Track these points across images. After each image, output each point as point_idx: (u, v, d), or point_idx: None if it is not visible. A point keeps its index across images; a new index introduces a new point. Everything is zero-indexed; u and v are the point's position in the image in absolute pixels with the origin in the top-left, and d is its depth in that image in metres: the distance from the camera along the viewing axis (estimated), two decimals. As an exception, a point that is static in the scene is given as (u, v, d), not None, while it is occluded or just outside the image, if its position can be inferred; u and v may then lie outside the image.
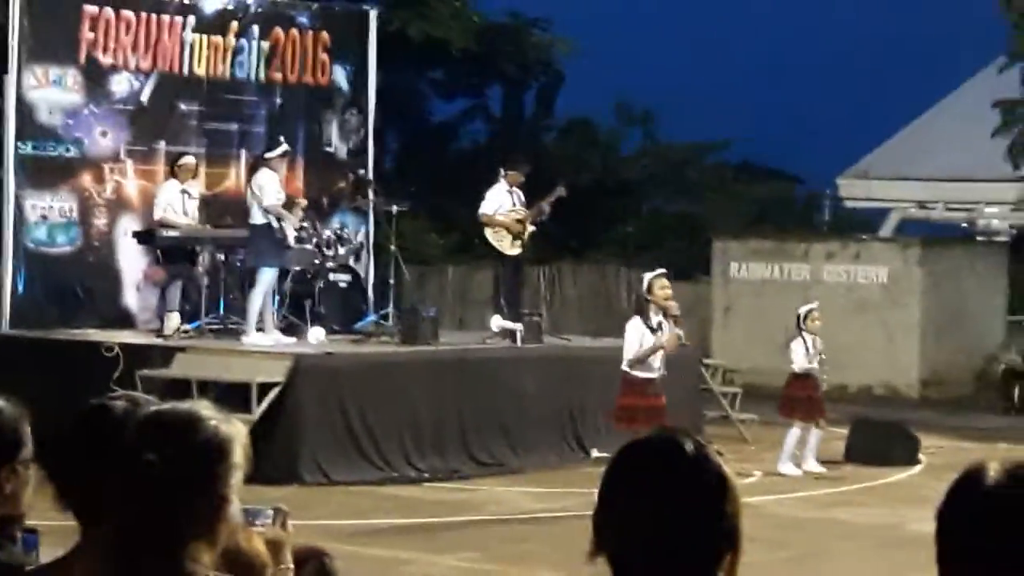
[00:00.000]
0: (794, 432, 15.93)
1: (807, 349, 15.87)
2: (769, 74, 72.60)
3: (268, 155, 16.41)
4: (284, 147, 16.54)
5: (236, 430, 2.82)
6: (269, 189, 15.95)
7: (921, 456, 17.02)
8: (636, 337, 13.31)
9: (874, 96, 64.01)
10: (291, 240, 16.13)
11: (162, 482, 2.70)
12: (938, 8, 62.65)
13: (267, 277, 15.97)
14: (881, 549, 12.18)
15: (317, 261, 17.35)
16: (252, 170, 16.71)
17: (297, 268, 17.19)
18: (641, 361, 13.24)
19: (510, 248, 17.24)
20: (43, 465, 3.23)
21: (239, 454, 2.81)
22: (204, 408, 2.82)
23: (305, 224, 17.23)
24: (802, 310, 16.32)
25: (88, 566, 2.80)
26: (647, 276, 13.70)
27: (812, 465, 15.95)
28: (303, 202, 17.15)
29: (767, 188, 36.45)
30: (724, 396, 19.00)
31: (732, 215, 32.93)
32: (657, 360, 13.31)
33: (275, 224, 15.94)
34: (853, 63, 72.96)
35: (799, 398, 15.95)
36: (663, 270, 13.85)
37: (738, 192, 35.30)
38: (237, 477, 2.80)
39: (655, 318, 13.33)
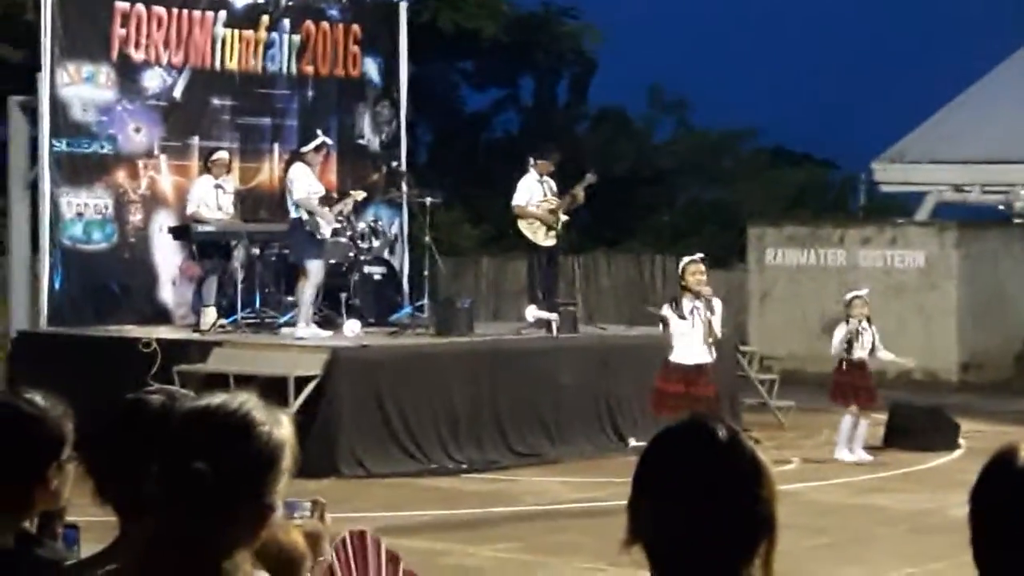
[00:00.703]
0: (847, 420, 15.84)
1: (849, 334, 15.71)
2: (802, 58, 72.32)
3: (303, 149, 16.47)
4: (320, 140, 16.56)
5: (287, 433, 2.71)
6: (300, 183, 15.99)
7: (961, 441, 16.94)
8: (674, 323, 13.25)
9: (909, 79, 63.70)
10: (326, 233, 16.13)
11: (210, 491, 2.60)
12: (971, -10, 62.31)
13: (314, 269, 16.00)
14: (920, 535, 12.14)
15: (352, 254, 17.38)
16: (288, 165, 16.77)
17: (332, 261, 17.23)
18: (670, 345, 13.21)
19: (544, 239, 17.22)
20: (82, 460, 3.25)
21: (288, 459, 2.70)
22: (253, 407, 2.69)
23: (341, 217, 17.27)
24: (848, 296, 16.21)
25: (128, 562, 2.76)
26: (683, 260, 13.65)
27: (861, 454, 15.80)
28: (359, 194, 17.16)
29: (802, 173, 36.35)
30: (761, 383, 18.95)
31: (767, 201, 32.85)
32: (695, 346, 13.21)
33: (305, 217, 15.96)
34: (888, 46, 72.62)
35: (846, 384, 15.82)
36: (700, 255, 13.78)
37: (773, 178, 35.21)
38: (284, 483, 2.70)
39: (688, 303, 13.25)
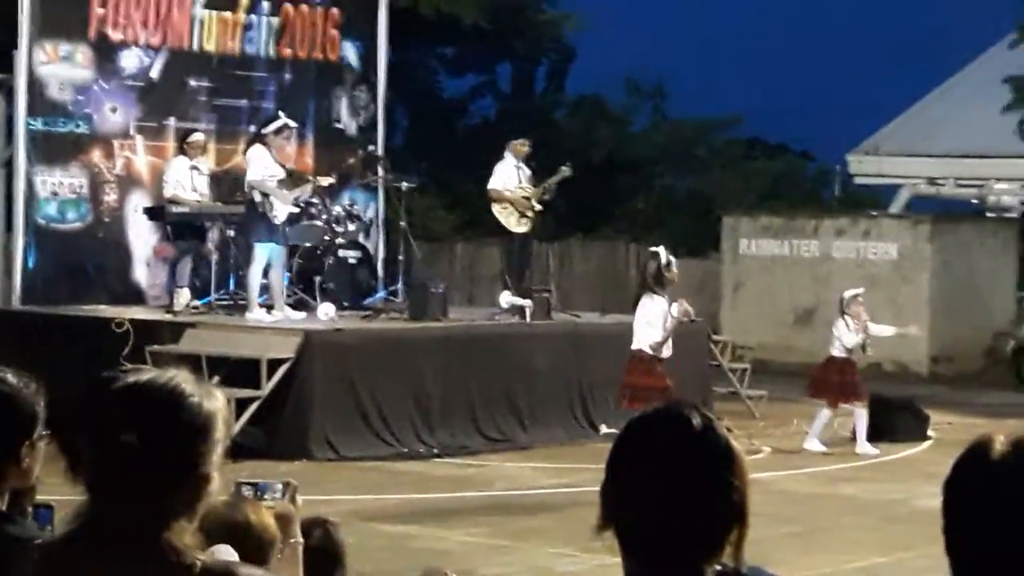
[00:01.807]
0: (824, 413, 15.90)
1: (850, 332, 15.73)
2: (780, 50, 72.41)
3: (264, 130, 16.30)
4: (282, 121, 16.36)
5: (219, 404, 2.73)
6: (255, 165, 15.90)
7: (930, 432, 17.03)
8: (662, 315, 13.15)
9: (885, 72, 63.86)
10: (280, 216, 15.96)
11: (142, 462, 2.63)
12: (949, -16, 62.47)
13: (260, 253, 15.92)
14: (889, 524, 12.20)
15: (327, 237, 17.36)
16: (248, 146, 16.64)
17: (307, 244, 17.20)
18: (663, 343, 13.17)
19: (516, 225, 17.25)
20: (54, 438, 3.25)
21: (221, 430, 2.71)
22: (185, 381, 2.71)
23: (314, 200, 17.23)
24: (846, 294, 16.22)
25: (68, 535, 2.78)
26: (663, 252, 13.41)
27: (865, 447, 15.82)
28: (323, 180, 17.07)
29: (777, 164, 36.42)
30: (733, 372, 19.00)
31: (742, 192, 32.91)
32: (670, 341, 13.24)
33: (258, 199, 15.86)
34: (864, 39, 72.78)
35: (831, 381, 15.84)
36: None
37: (748, 168, 35.27)
38: (219, 453, 2.71)
39: (668, 299, 13.28)
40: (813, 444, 15.88)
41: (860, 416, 15.96)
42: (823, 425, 16.01)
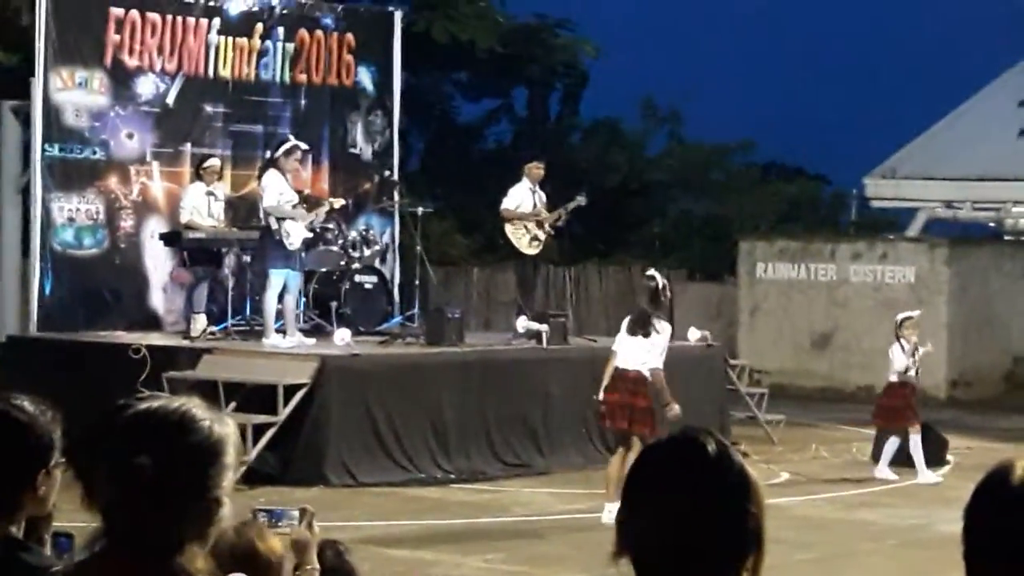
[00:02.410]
0: (892, 441, 15.70)
1: (904, 355, 15.63)
2: (796, 73, 72.43)
3: (276, 154, 16.36)
4: (291, 143, 16.41)
5: (229, 430, 2.75)
6: (270, 191, 15.95)
7: (949, 457, 16.96)
8: (666, 343, 12.99)
9: (901, 95, 63.83)
10: (295, 243, 15.98)
11: (153, 486, 2.64)
12: (964, 8, 62.42)
13: (275, 279, 15.96)
14: (907, 550, 12.15)
15: (343, 262, 17.38)
16: (261, 171, 16.69)
17: (324, 270, 17.22)
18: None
19: (527, 247, 17.26)
20: (70, 466, 3.25)
21: (232, 455, 2.73)
22: (196, 407, 2.73)
23: (330, 225, 17.25)
24: (899, 317, 16.13)
25: (81, 562, 2.78)
26: (659, 277, 13.28)
27: (926, 475, 15.62)
28: (336, 202, 17.11)
29: (793, 188, 36.38)
30: (750, 397, 18.95)
31: (758, 215, 32.88)
32: None
33: (273, 225, 15.92)
34: (880, 62, 72.76)
35: (896, 407, 15.70)
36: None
37: (764, 192, 35.24)
38: (229, 478, 2.73)
39: None
40: (883, 472, 15.64)
41: (914, 443, 15.74)
42: (892, 452, 15.74)
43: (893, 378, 15.78)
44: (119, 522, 2.68)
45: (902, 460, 16.15)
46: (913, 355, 15.67)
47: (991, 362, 24.54)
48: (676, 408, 12.59)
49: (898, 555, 11.99)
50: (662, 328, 12.87)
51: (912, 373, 15.73)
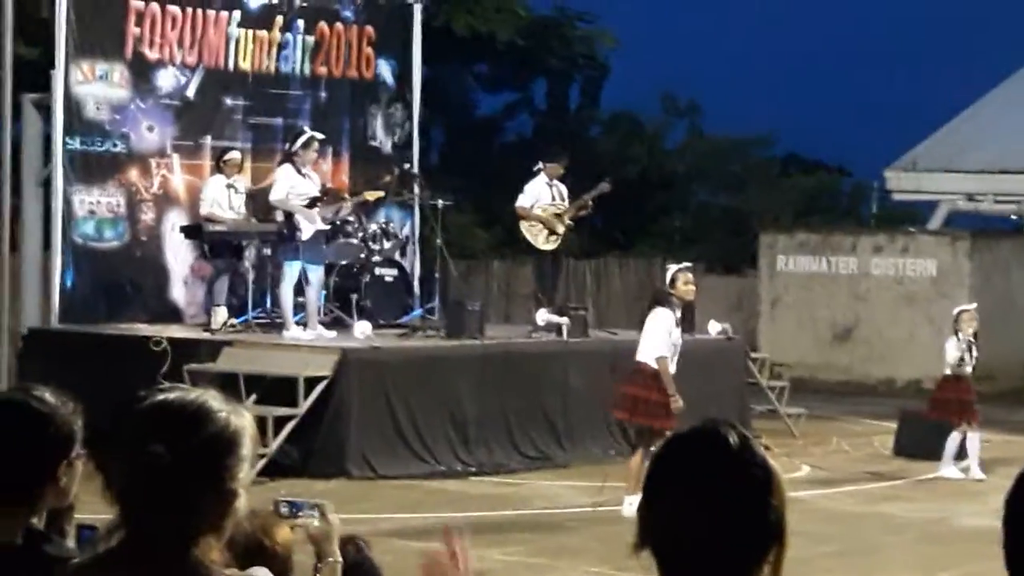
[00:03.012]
0: (954, 436, 15.58)
1: (961, 349, 15.53)
2: (816, 65, 72.27)
3: (293, 147, 16.31)
4: (308, 135, 16.36)
5: (246, 422, 2.75)
6: (280, 184, 15.95)
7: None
8: (665, 328, 12.89)
9: (922, 87, 63.63)
10: (306, 234, 15.96)
11: (169, 475, 2.64)
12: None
13: (288, 271, 15.97)
14: (928, 544, 12.12)
15: (363, 255, 17.38)
16: (279, 165, 16.66)
17: (343, 262, 17.24)
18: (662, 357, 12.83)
19: (544, 243, 17.16)
20: (91, 458, 3.26)
21: (248, 447, 2.72)
22: (213, 398, 2.73)
23: (350, 218, 17.26)
24: (956, 310, 16.04)
25: (99, 553, 2.78)
26: (672, 268, 13.32)
27: (976, 472, 15.45)
28: (372, 195, 17.13)
29: (814, 180, 36.31)
30: (771, 390, 18.92)
31: (779, 208, 32.82)
32: (675, 360, 12.91)
33: (283, 218, 15.93)
34: (901, 54, 72.57)
35: (950, 400, 15.60)
36: (689, 264, 13.53)
37: (785, 185, 35.18)
38: (246, 470, 2.72)
39: (675, 313, 12.97)
40: (947, 470, 15.56)
41: (971, 439, 15.59)
42: (957, 447, 15.60)
43: (947, 371, 15.66)
44: (135, 513, 2.69)
45: (913, 452, 16.13)
46: (969, 348, 15.53)
47: (1013, 355, 24.45)
48: (678, 401, 12.57)
49: (919, 549, 11.97)
50: (653, 315, 12.86)
51: (968, 368, 15.56)
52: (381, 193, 17.42)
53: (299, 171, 16.04)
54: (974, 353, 15.57)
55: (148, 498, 2.66)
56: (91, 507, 3.48)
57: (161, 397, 2.73)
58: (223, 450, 2.69)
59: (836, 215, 32.56)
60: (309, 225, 15.94)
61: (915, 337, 23.77)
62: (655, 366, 12.74)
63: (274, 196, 15.97)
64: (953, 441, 15.57)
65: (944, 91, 37.21)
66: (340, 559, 3.93)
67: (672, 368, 12.80)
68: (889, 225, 28.52)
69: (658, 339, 12.83)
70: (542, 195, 17.15)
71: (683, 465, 2.49)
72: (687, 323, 12.92)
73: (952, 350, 15.52)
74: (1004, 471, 14.84)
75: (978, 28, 64.96)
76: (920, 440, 16.61)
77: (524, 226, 17.16)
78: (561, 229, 17.19)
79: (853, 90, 69.89)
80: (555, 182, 17.29)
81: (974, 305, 16.59)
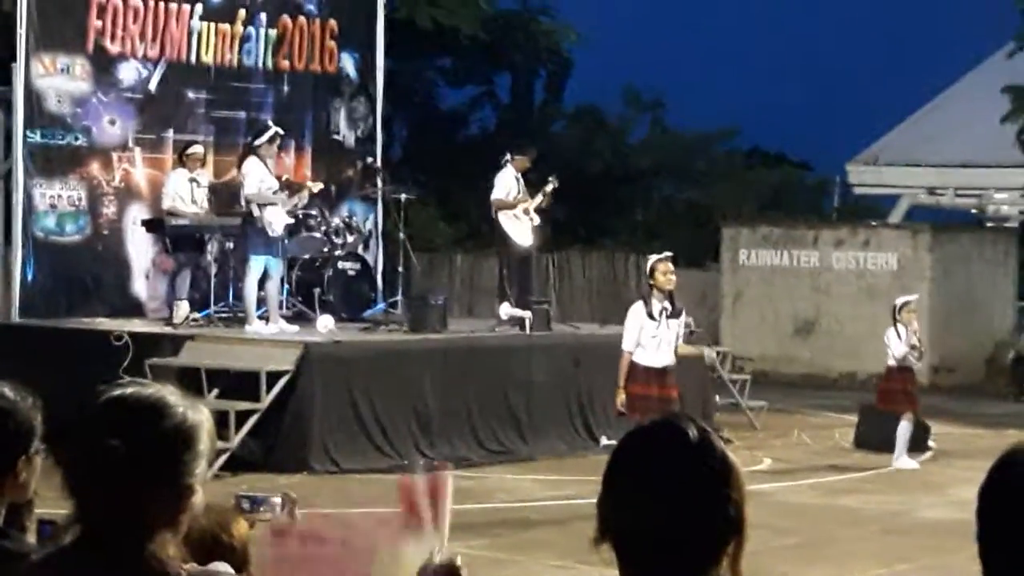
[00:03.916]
0: (904, 426, 15.68)
1: (900, 340, 15.62)
2: (778, 60, 72.49)
3: (256, 142, 16.24)
4: (272, 131, 16.29)
5: (203, 417, 2.76)
6: (251, 178, 15.88)
7: (931, 443, 17.00)
8: (634, 324, 12.98)
9: (884, 82, 63.91)
10: (277, 230, 15.93)
11: (126, 468, 2.64)
12: (947, -6, 62.49)
13: (255, 265, 15.90)
14: (888, 536, 12.18)
15: (325, 249, 17.35)
16: (241, 158, 16.58)
17: (305, 256, 17.20)
18: (631, 350, 12.96)
19: (525, 235, 17.06)
20: (50, 452, 3.24)
21: (205, 442, 2.73)
22: (170, 394, 2.74)
23: (312, 211, 17.22)
24: (898, 301, 16.11)
25: (53, 549, 2.78)
26: (651, 258, 13.42)
27: (908, 460, 15.66)
28: (315, 186, 17.01)
29: (776, 175, 36.44)
30: (733, 383, 18.99)
31: (741, 202, 32.91)
32: (665, 348, 13.00)
33: (255, 212, 15.85)
34: (864, 49, 72.86)
35: (897, 390, 15.73)
36: (669, 253, 13.60)
37: (747, 179, 35.28)
38: (203, 466, 2.73)
39: (658, 305, 13.02)
40: (903, 462, 15.63)
41: (905, 429, 15.70)
42: (907, 439, 15.70)
43: (891, 362, 15.77)
44: (91, 508, 2.68)
45: (874, 445, 16.21)
46: (911, 339, 15.64)
47: (973, 348, 24.61)
48: (620, 397, 12.69)
49: (879, 541, 12.02)
50: (629, 310, 12.99)
51: (912, 359, 15.68)
52: (321, 184, 17.28)
53: (265, 164, 16.00)
54: (917, 344, 15.66)
55: (104, 493, 2.66)
56: (52, 503, 3.47)
57: (118, 392, 2.73)
58: (179, 445, 2.70)
59: (799, 209, 32.67)
60: (279, 219, 15.90)
61: (876, 331, 23.76)
62: (638, 362, 12.91)
63: (248, 190, 15.90)
64: (904, 431, 15.67)
65: (906, 86, 37.38)
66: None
67: (662, 359, 12.89)
68: (850, 219, 28.65)
69: (626, 332, 13.00)
70: (512, 188, 17.10)
71: (642, 458, 2.49)
72: (673, 312, 12.96)
73: (897, 342, 15.60)
74: (964, 463, 14.93)
75: (940, 24, 65.25)
76: (880, 433, 16.68)
77: (504, 220, 16.94)
78: (534, 222, 17.12)
79: (816, 85, 70.13)
80: (519, 176, 17.27)
81: (916, 297, 16.66)
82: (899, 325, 15.72)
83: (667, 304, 12.98)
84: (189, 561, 2.75)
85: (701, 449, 2.47)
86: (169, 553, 2.66)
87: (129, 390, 2.74)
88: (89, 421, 2.70)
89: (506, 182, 17.13)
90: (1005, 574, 2.39)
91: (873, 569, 10.85)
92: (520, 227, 17.05)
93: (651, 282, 13.09)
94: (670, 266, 13.13)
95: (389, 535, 2.99)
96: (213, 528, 3.82)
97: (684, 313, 13.35)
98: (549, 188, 17.16)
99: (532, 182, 17.44)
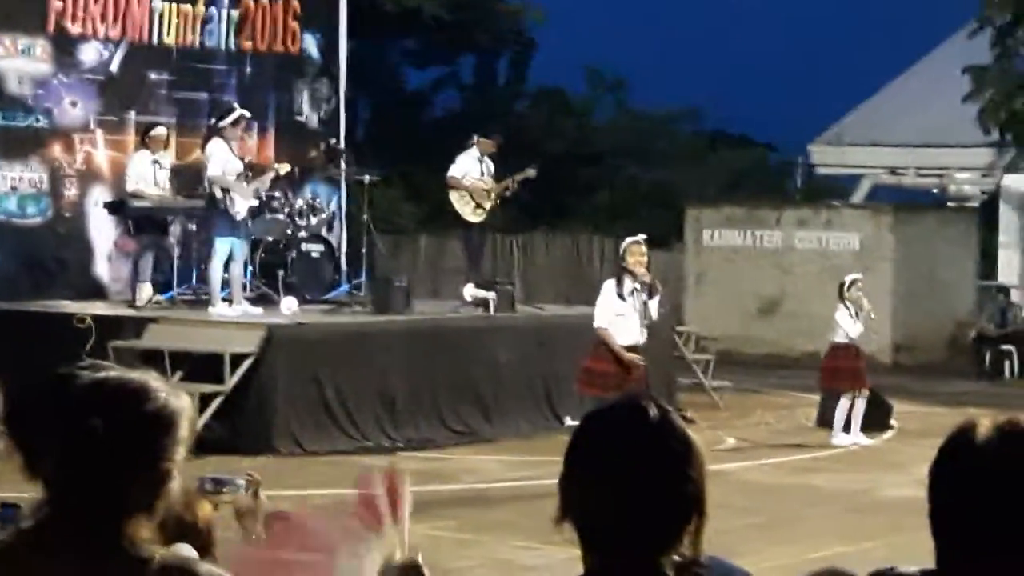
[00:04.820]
0: (843, 404, 15.79)
1: (852, 318, 15.69)
2: (741, 41, 72.59)
3: (221, 123, 16.16)
4: (237, 113, 16.20)
5: (184, 404, 2.78)
6: (215, 159, 15.79)
7: (893, 422, 17.09)
8: (605, 302, 13.19)
9: (845, 61, 64.04)
10: (241, 211, 15.87)
11: (105, 450, 2.65)
12: (909, -26, 62.67)
13: (220, 248, 15.84)
14: (852, 514, 12.25)
15: (289, 231, 17.30)
16: (205, 140, 16.51)
17: (269, 239, 17.15)
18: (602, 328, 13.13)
19: (471, 214, 17.23)
20: (11, 435, 3.23)
21: (185, 428, 2.74)
22: (152, 379, 2.75)
23: (276, 193, 17.16)
24: (846, 279, 16.17)
25: (26, 529, 2.78)
26: (626, 240, 13.58)
27: (857, 436, 15.79)
28: (282, 168, 16.94)
29: (740, 156, 36.52)
30: (697, 363, 19.04)
31: (705, 183, 32.98)
32: (631, 327, 13.14)
33: (219, 194, 15.78)
34: (825, 29, 73.01)
35: (842, 368, 15.80)
36: (642, 236, 13.69)
37: (711, 160, 35.35)
38: (181, 452, 2.73)
39: (629, 285, 13.19)
40: (840, 439, 15.73)
41: (857, 406, 15.83)
42: (846, 414, 15.81)
43: (838, 339, 15.84)
44: (66, 489, 2.68)
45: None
46: (859, 317, 15.73)
47: (935, 327, 24.73)
48: (636, 362, 12.90)
49: (843, 519, 12.09)
50: (602, 288, 13.19)
51: (857, 335, 15.79)
52: (288, 167, 17.23)
53: (229, 146, 15.93)
54: (864, 321, 15.73)
55: (82, 474, 2.66)
56: (15, 486, 3.45)
57: (101, 375, 2.74)
58: (160, 429, 2.71)
59: (762, 190, 32.76)
60: (243, 201, 15.84)
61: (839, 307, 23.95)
62: (600, 335, 13.12)
63: (212, 172, 15.81)
64: (842, 409, 15.78)
65: (868, 65, 37.48)
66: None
67: (631, 338, 13.06)
68: (813, 199, 28.74)
69: (597, 310, 13.25)
70: (471, 169, 17.18)
71: (602, 438, 2.50)
72: (648, 292, 13.14)
73: (848, 320, 15.67)
74: (926, 443, 14.95)
75: (901, 3, 65.43)
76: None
77: (454, 196, 17.18)
78: (488, 204, 17.23)
79: (778, 65, 70.26)
80: (485, 158, 17.31)
81: (859, 275, 16.70)
82: (847, 303, 15.77)
83: (637, 284, 13.12)
84: (155, 543, 2.75)
85: (661, 428, 2.48)
86: (143, 537, 2.67)
87: (111, 373, 2.75)
88: (69, 402, 2.70)
89: (464, 162, 17.18)
90: (956, 550, 2.41)
91: (837, 547, 10.90)
92: (467, 206, 17.13)
93: (623, 264, 13.26)
94: (643, 248, 13.31)
95: (348, 537, 2.98)
96: (177, 509, 3.82)
97: (658, 292, 13.42)
98: (520, 177, 17.23)
99: (506, 168, 17.45)
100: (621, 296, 13.08)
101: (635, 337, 13.13)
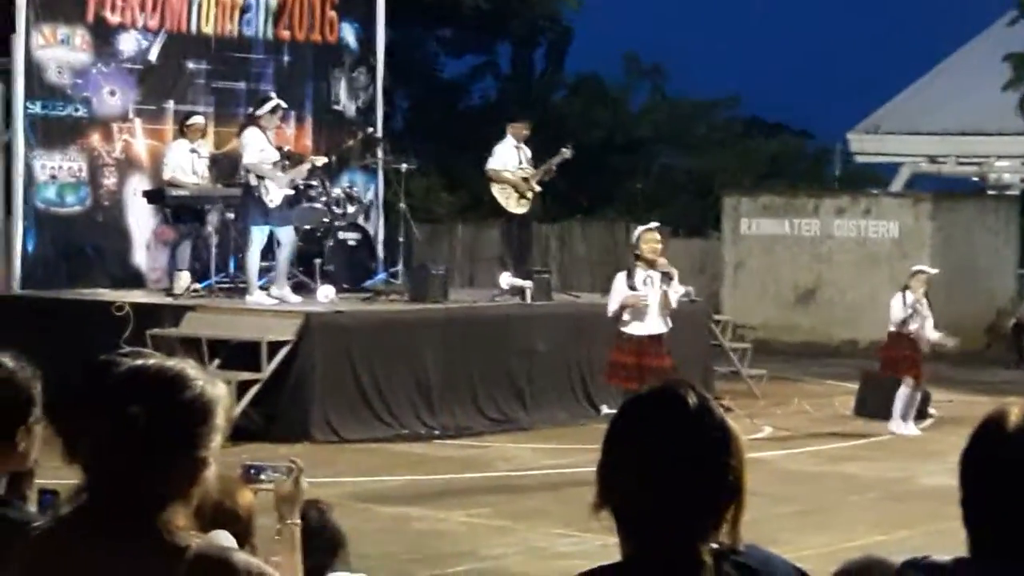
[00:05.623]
0: (903, 391, 15.73)
1: (906, 310, 15.60)
2: (779, 28, 72.30)
3: (258, 112, 16.18)
4: (274, 102, 16.21)
5: (221, 392, 2.80)
6: (251, 147, 15.81)
7: (931, 410, 17.02)
8: (617, 290, 12.98)
9: (886, 50, 63.73)
10: (276, 199, 15.87)
11: (143, 437, 2.67)
12: (949, -39, 62.27)
13: (256, 236, 15.86)
14: (889, 503, 12.21)
15: (326, 220, 17.33)
16: (242, 128, 16.53)
17: (307, 227, 17.18)
18: (617, 317, 12.99)
19: (515, 206, 17.21)
20: (51, 421, 3.25)
21: (222, 417, 2.77)
22: (190, 367, 2.78)
23: (313, 182, 17.19)
24: (914, 268, 16.13)
25: (64, 515, 2.80)
26: (638, 229, 13.40)
27: (911, 427, 15.74)
28: (319, 160, 16.96)
29: (777, 143, 36.38)
30: (734, 352, 19.00)
31: (742, 171, 32.88)
32: (650, 317, 12.93)
33: (253, 182, 15.79)
34: (864, 17, 72.66)
35: (898, 357, 15.71)
36: (655, 224, 13.56)
37: (748, 148, 35.23)
38: (217, 440, 2.76)
39: (642, 273, 12.97)
40: (899, 426, 15.66)
41: (903, 394, 15.72)
42: (906, 403, 15.75)
43: (892, 328, 15.80)
44: (104, 476, 2.70)
45: (874, 412, 16.21)
46: (914, 308, 15.64)
47: (974, 316, 24.60)
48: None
49: (880, 508, 12.05)
50: (615, 279, 13.12)
51: (912, 326, 15.68)
52: (324, 159, 17.24)
53: (265, 135, 15.96)
54: (924, 313, 15.65)
55: (120, 461, 2.68)
56: (55, 472, 3.48)
57: (140, 362, 2.76)
58: (198, 417, 2.72)
59: (799, 178, 32.64)
60: (277, 190, 15.86)
61: (877, 298, 23.78)
62: (624, 330, 12.97)
63: (247, 159, 15.84)
64: (902, 397, 15.69)
65: (907, 54, 37.29)
66: (299, 522, 3.94)
67: (644, 328, 12.88)
68: (852, 187, 28.61)
69: (610, 299, 13.12)
70: (509, 159, 17.16)
71: (642, 426, 2.50)
72: (663, 280, 12.96)
73: (897, 308, 15.63)
74: (964, 431, 14.83)
75: (941, -9, 65.01)
76: (881, 400, 16.69)
77: (495, 189, 17.15)
78: (530, 194, 17.21)
79: (816, 53, 69.97)
80: (521, 145, 17.29)
81: (935, 271, 16.63)
82: (907, 292, 15.74)
83: (651, 273, 12.92)
84: (195, 530, 2.77)
85: (700, 416, 2.48)
86: (179, 524, 2.68)
87: (150, 361, 2.77)
88: (109, 390, 2.72)
89: (502, 153, 17.16)
90: (988, 538, 2.40)
91: (874, 536, 10.87)
92: (511, 197, 17.09)
93: (636, 252, 13.07)
94: (656, 235, 13.13)
95: None
96: (216, 496, 3.84)
97: (676, 280, 13.17)
98: (557, 160, 17.19)
99: (542, 150, 17.45)
100: (632, 286, 12.88)
101: (655, 327, 12.90)
